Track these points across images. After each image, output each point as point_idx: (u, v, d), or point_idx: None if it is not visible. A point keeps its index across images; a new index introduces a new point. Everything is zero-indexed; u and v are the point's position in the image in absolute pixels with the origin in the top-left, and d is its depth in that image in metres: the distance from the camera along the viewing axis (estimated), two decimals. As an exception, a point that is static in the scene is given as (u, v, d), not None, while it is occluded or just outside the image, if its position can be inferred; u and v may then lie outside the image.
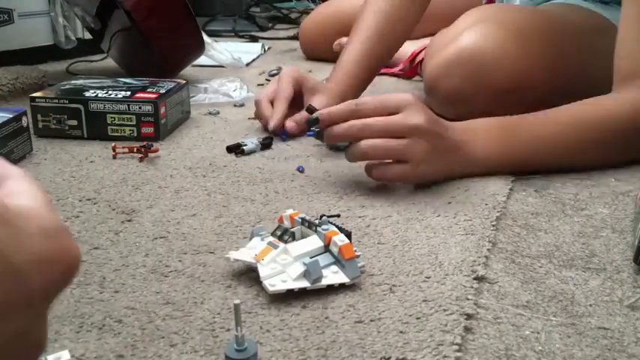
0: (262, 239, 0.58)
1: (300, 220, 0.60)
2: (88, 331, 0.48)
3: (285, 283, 0.53)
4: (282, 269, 0.54)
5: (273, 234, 0.59)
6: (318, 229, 0.57)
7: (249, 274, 0.56)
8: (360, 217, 0.69)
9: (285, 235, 0.58)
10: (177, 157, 0.88)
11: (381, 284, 0.55)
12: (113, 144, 0.88)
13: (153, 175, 0.81)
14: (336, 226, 0.58)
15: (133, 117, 0.93)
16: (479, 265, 0.58)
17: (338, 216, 0.66)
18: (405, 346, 0.46)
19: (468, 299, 0.52)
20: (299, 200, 0.73)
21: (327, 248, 0.56)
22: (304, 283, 0.53)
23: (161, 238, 0.64)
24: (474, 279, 0.56)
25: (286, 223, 0.61)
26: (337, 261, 0.55)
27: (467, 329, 0.49)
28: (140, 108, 0.93)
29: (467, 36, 0.93)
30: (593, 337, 0.49)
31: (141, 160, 0.86)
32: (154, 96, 0.94)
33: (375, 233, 0.65)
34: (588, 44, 1.02)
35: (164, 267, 0.58)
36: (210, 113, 1.11)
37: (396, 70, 1.45)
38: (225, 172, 0.82)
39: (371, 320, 0.50)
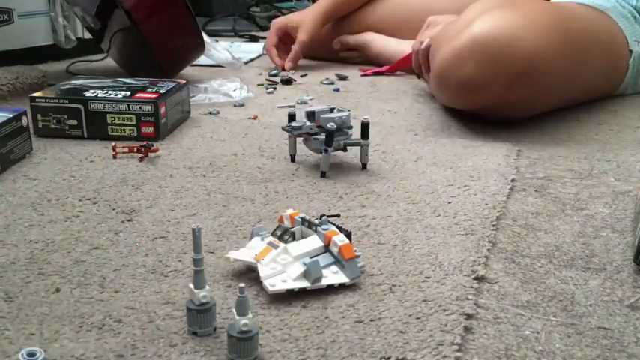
0: (262, 239, 0.58)
1: (300, 220, 0.60)
2: (88, 331, 0.48)
3: (285, 283, 0.53)
4: (282, 269, 0.54)
5: (273, 234, 0.59)
6: (318, 229, 0.57)
7: (249, 274, 0.56)
8: (360, 217, 0.69)
9: (285, 235, 0.58)
10: (178, 157, 0.88)
11: (381, 284, 0.55)
12: (113, 144, 0.88)
13: (153, 175, 0.81)
14: (336, 226, 0.58)
15: (133, 117, 0.93)
16: (479, 265, 0.58)
17: (338, 216, 0.66)
18: (405, 346, 0.46)
19: (467, 299, 0.52)
20: (299, 200, 0.73)
21: (327, 248, 0.56)
22: (304, 283, 0.53)
23: (161, 238, 0.64)
24: (474, 279, 0.56)
25: (286, 223, 0.61)
26: (337, 261, 0.55)
27: (467, 329, 0.49)
28: (140, 108, 0.93)
29: (479, 23, 0.92)
30: (593, 337, 0.49)
31: (141, 160, 0.86)
32: (154, 96, 0.94)
33: (375, 233, 0.65)
34: (589, 29, 1.04)
35: (164, 267, 0.58)
36: (210, 113, 1.11)
37: (384, 68, 1.46)
38: (225, 172, 0.82)
39: (371, 320, 0.50)
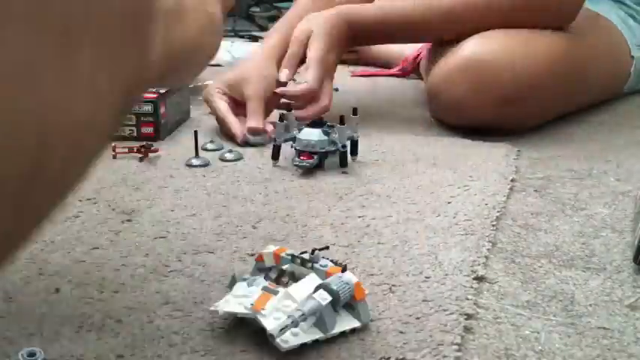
0: (249, 285, 0.50)
1: (289, 258, 0.51)
2: (87, 331, 0.48)
3: (298, 337, 0.45)
4: (290, 320, 0.46)
5: (266, 277, 0.51)
6: (315, 266, 0.50)
7: (242, 329, 0.50)
8: (360, 217, 0.69)
9: (282, 277, 0.51)
10: (177, 157, 0.88)
11: (381, 284, 0.55)
12: (113, 144, 0.88)
13: (153, 175, 0.81)
14: (331, 261, 0.51)
15: (133, 117, 0.93)
16: (479, 265, 0.58)
17: (327, 248, 0.54)
18: (405, 346, 0.46)
19: (467, 299, 0.52)
20: (299, 200, 0.73)
21: None
22: (318, 334, 0.46)
23: (161, 238, 0.64)
24: (474, 279, 0.56)
25: (267, 262, 0.52)
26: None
27: (467, 329, 0.49)
28: (140, 108, 0.93)
29: (471, 45, 0.92)
30: (593, 337, 0.48)
31: (141, 160, 0.86)
32: (154, 96, 0.94)
33: (375, 233, 0.65)
34: (589, 46, 1.02)
35: (164, 267, 0.58)
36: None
37: (394, 70, 1.45)
38: (225, 172, 0.82)
39: (371, 320, 0.50)
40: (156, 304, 0.52)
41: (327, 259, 0.51)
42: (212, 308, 0.49)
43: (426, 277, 0.56)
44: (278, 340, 0.45)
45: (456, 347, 0.46)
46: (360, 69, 1.51)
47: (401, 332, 0.48)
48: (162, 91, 0.97)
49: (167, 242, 0.63)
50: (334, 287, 0.47)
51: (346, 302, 0.48)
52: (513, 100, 0.91)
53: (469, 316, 0.50)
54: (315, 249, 0.51)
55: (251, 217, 0.69)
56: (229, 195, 0.75)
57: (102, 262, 0.59)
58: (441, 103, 0.97)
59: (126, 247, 0.62)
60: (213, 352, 0.46)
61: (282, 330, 0.44)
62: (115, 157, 0.87)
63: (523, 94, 0.91)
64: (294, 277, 0.50)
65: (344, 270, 0.49)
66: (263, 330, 0.45)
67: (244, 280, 0.50)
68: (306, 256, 0.51)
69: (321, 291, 0.47)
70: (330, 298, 0.46)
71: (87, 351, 0.46)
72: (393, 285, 0.55)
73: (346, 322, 0.48)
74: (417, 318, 0.50)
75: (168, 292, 0.54)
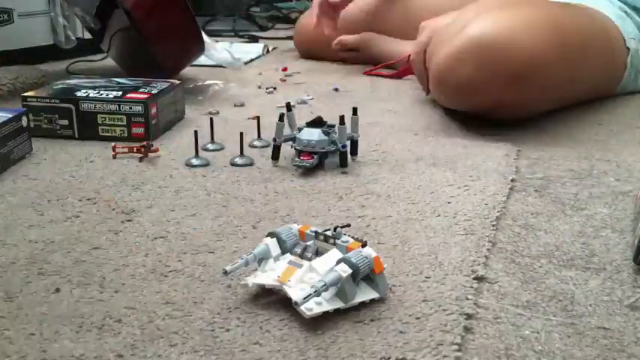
0: (276, 261, 0.55)
1: (313, 234, 0.56)
2: (87, 331, 0.48)
3: (321, 306, 0.49)
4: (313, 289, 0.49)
5: (292, 252, 0.55)
6: (337, 242, 0.54)
7: (266, 298, 0.54)
8: (360, 217, 0.69)
9: (306, 251, 0.55)
10: (177, 157, 0.88)
11: (381, 284, 0.55)
12: (113, 144, 0.88)
13: (153, 175, 0.81)
14: (351, 237, 0.55)
15: (124, 117, 0.93)
16: (479, 265, 0.58)
17: (348, 225, 0.61)
18: (405, 346, 0.46)
19: (467, 299, 0.52)
20: (299, 200, 0.73)
21: None
22: (339, 304, 0.50)
23: (161, 238, 0.64)
24: (474, 279, 0.56)
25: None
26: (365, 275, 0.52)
27: (467, 329, 0.49)
28: (130, 108, 0.93)
29: (476, 25, 0.92)
30: (593, 337, 0.49)
31: (141, 160, 0.86)
32: (145, 96, 0.94)
33: (375, 233, 0.65)
34: (588, 31, 1.05)
35: (164, 267, 0.58)
36: (210, 113, 1.11)
37: (391, 72, 1.45)
38: (225, 172, 0.82)
39: (371, 320, 0.50)
40: (156, 304, 0.52)
41: (348, 235, 0.55)
42: (242, 282, 0.54)
43: (426, 277, 0.56)
44: (302, 307, 0.48)
45: (456, 347, 0.46)
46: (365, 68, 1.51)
47: (401, 332, 0.48)
48: (154, 91, 0.97)
49: (167, 242, 0.63)
50: (354, 260, 0.51)
51: (366, 275, 0.52)
52: (518, 76, 0.92)
53: (469, 316, 0.50)
54: (337, 226, 0.55)
55: (251, 217, 0.69)
56: (229, 195, 0.75)
57: (102, 262, 0.59)
58: (449, 86, 0.97)
59: (126, 247, 0.62)
60: (213, 352, 0.46)
61: (306, 298, 0.48)
62: (114, 157, 0.87)
63: (527, 70, 0.92)
64: (318, 253, 0.55)
65: (364, 245, 0.53)
66: (287, 301, 0.49)
67: (269, 258, 0.55)
68: (328, 233, 0.55)
69: (342, 264, 0.50)
70: (350, 271, 0.50)
71: (87, 351, 0.46)
72: (393, 285, 0.55)
73: (366, 293, 0.52)
74: (417, 318, 0.50)
75: (168, 292, 0.54)
